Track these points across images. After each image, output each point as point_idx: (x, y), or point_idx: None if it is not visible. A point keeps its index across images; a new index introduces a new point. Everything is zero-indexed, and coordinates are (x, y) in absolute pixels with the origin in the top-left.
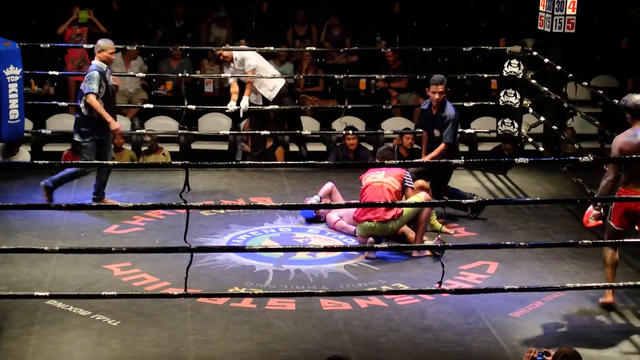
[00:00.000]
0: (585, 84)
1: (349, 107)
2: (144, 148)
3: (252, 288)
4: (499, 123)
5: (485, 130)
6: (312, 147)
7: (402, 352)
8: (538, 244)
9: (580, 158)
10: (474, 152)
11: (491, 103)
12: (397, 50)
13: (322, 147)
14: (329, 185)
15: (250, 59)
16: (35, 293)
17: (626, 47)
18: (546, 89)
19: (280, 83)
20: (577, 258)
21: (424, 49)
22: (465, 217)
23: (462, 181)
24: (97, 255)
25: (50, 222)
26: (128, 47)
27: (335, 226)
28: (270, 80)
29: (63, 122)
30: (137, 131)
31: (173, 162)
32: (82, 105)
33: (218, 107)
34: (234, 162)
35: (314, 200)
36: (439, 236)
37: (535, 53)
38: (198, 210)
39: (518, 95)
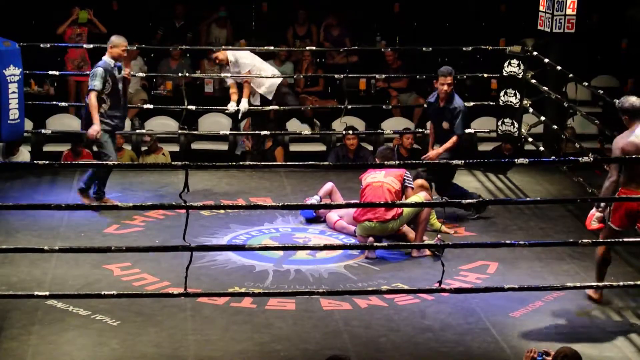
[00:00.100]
0: (586, 84)
1: (349, 107)
2: (143, 148)
3: (252, 288)
4: (499, 123)
5: (485, 130)
6: (312, 147)
7: (402, 352)
8: (538, 244)
9: (580, 158)
10: (474, 152)
11: (491, 103)
12: (397, 50)
13: (322, 147)
14: (329, 185)
15: (244, 60)
16: (35, 293)
17: (626, 47)
18: (546, 88)
19: (276, 80)
20: (577, 258)
21: (424, 49)
22: (465, 217)
23: (462, 181)
24: (97, 255)
25: (50, 222)
26: (128, 47)
27: (335, 226)
28: (266, 78)
29: (63, 122)
30: (137, 131)
31: (173, 162)
32: (87, 102)
33: (218, 107)
34: (234, 162)
35: (314, 200)
36: (439, 236)
37: (535, 53)
38: (198, 210)
39: (518, 95)
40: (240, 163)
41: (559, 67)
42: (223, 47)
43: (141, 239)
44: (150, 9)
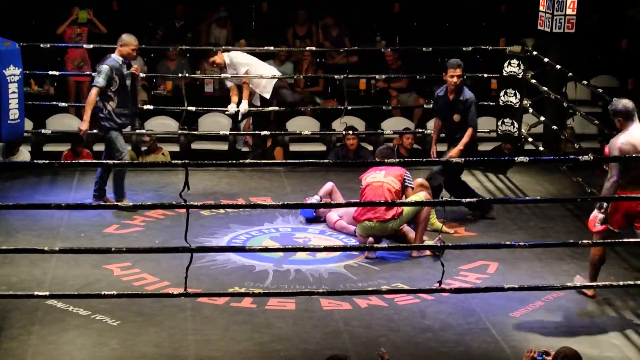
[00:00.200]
0: (585, 83)
1: (349, 108)
2: (143, 148)
3: (252, 288)
4: (499, 123)
5: (485, 130)
6: (312, 147)
7: (402, 352)
8: (538, 244)
9: (580, 157)
10: (474, 151)
11: (491, 103)
12: (397, 50)
13: (322, 147)
14: (329, 185)
15: (239, 59)
16: (35, 293)
17: (626, 47)
18: (546, 88)
19: (269, 88)
20: (577, 258)
21: (424, 49)
22: (465, 217)
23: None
24: (97, 255)
25: (50, 222)
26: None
27: (335, 226)
28: (265, 81)
29: (63, 122)
30: (137, 131)
31: (173, 162)
32: (97, 100)
33: (218, 108)
34: (234, 162)
35: (314, 200)
36: (439, 236)
37: (535, 53)
38: (198, 210)
39: (518, 95)
40: (240, 162)
41: (558, 67)
42: (223, 47)
43: (141, 239)
44: (150, 9)
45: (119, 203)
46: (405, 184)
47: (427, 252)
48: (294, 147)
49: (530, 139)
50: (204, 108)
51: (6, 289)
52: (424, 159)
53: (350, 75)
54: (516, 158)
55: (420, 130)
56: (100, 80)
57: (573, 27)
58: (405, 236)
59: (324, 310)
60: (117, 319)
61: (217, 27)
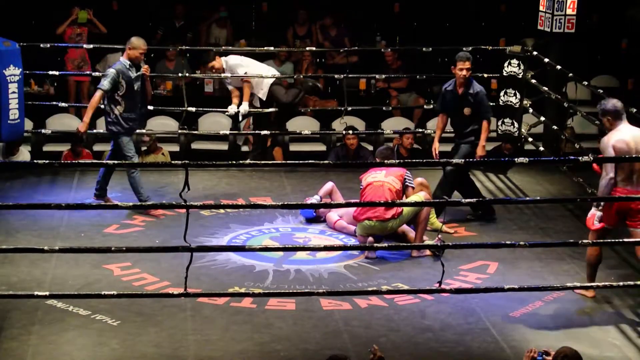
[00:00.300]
0: (585, 83)
1: (349, 109)
2: (143, 148)
3: (252, 288)
4: (499, 123)
5: None
6: (312, 147)
7: (402, 352)
8: (538, 244)
9: (580, 158)
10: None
11: (491, 103)
12: (397, 50)
13: (322, 147)
14: (329, 185)
15: (234, 61)
16: (35, 293)
17: (626, 47)
18: (546, 88)
19: (270, 80)
20: (577, 258)
21: (424, 49)
22: (465, 217)
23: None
24: (97, 255)
25: (50, 222)
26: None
27: (335, 226)
28: (260, 81)
29: (63, 122)
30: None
31: (173, 162)
32: (105, 104)
33: (218, 109)
34: (234, 162)
35: (314, 200)
36: (439, 236)
37: (535, 53)
38: (198, 210)
39: (518, 95)
40: (240, 162)
41: (559, 67)
42: (222, 47)
43: (141, 239)
44: (150, 9)
45: (118, 203)
46: (406, 183)
47: (427, 252)
48: (294, 147)
49: (530, 139)
50: (204, 109)
51: (6, 289)
52: (424, 160)
53: (350, 75)
54: (516, 159)
55: (420, 130)
56: (105, 84)
57: (573, 27)
58: (405, 236)
59: (324, 310)
60: (117, 319)
61: (217, 27)
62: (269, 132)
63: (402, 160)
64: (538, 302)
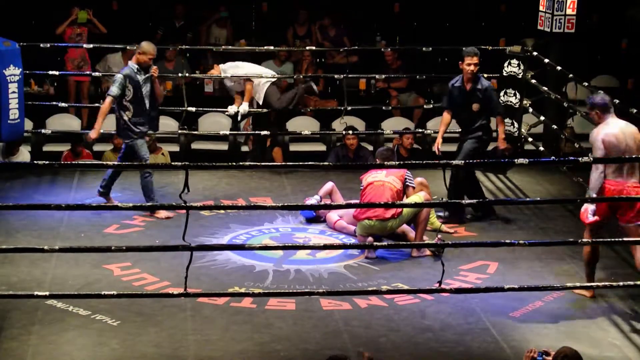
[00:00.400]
0: (585, 84)
1: (349, 108)
2: None
3: (252, 288)
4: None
5: None
6: (312, 147)
7: (402, 352)
8: (538, 243)
9: (580, 158)
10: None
11: None
12: (397, 50)
13: (322, 147)
14: (329, 185)
15: (230, 71)
16: (35, 293)
17: (626, 47)
18: (546, 88)
19: (265, 85)
20: (577, 258)
21: (424, 49)
22: (465, 217)
23: None
24: (97, 255)
25: (50, 222)
26: (128, 47)
27: (335, 226)
28: (257, 84)
29: (63, 122)
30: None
31: (173, 163)
32: (115, 110)
33: (218, 109)
34: (234, 163)
35: (314, 200)
36: (439, 236)
37: (535, 53)
38: (198, 210)
39: (518, 95)
40: (241, 163)
41: (559, 67)
42: (223, 47)
43: (141, 239)
44: (150, 9)
45: (118, 203)
46: (407, 183)
47: (427, 252)
48: (294, 147)
49: (530, 139)
50: (204, 109)
51: (6, 289)
52: (424, 161)
53: (350, 75)
54: (516, 160)
55: (420, 130)
56: (114, 90)
57: (573, 27)
58: (405, 236)
59: (324, 310)
60: (117, 319)
61: (217, 27)
62: (268, 132)
63: (401, 162)
64: (538, 302)
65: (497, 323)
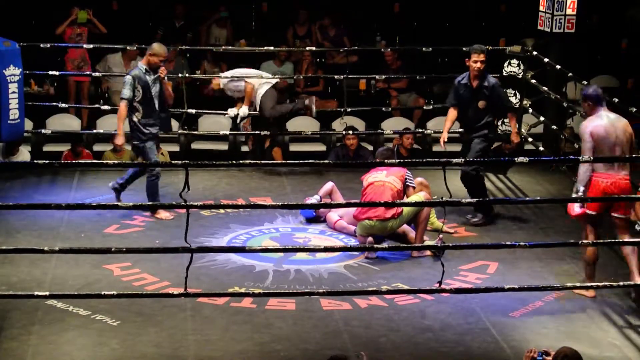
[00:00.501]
0: (585, 83)
1: (349, 110)
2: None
3: (252, 288)
4: (499, 123)
5: None
6: (312, 147)
7: (402, 352)
8: (538, 244)
9: (580, 158)
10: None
11: None
12: (397, 50)
13: (322, 147)
14: (329, 185)
15: (234, 83)
16: (35, 293)
17: (626, 47)
18: (546, 88)
19: (263, 89)
20: (577, 258)
21: (424, 49)
22: (465, 217)
23: None
24: (97, 255)
25: (50, 222)
26: (128, 47)
27: (335, 226)
28: (255, 91)
29: (63, 122)
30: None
31: (173, 162)
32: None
33: (218, 112)
34: (234, 162)
35: (314, 199)
36: (440, 236)
37: (535, 53)
38: (198, 210)
39: (518, 95)
40: (241, 162)
41: (558, 67)
42: (223, 47)
43: (141, 239)
44: (150, 9)
45: (118, 203)
46: (407, 183)
47: (427, 252)
48: (294, 147)
49: (530, 139)
50: (204, 111)
51: (6, 289)
52: (424, 160)
53: (350, 76)
54: (516, 159)
55: (420, 130)
56: (126, 92)
57: (573, 27)
58: (405, 236)
59: (324, 310)
60: (117, 319)
61: (217, 27)
62: (268, 132)
63: (402, 160)
64: (538, 302)
65: (497, 323)
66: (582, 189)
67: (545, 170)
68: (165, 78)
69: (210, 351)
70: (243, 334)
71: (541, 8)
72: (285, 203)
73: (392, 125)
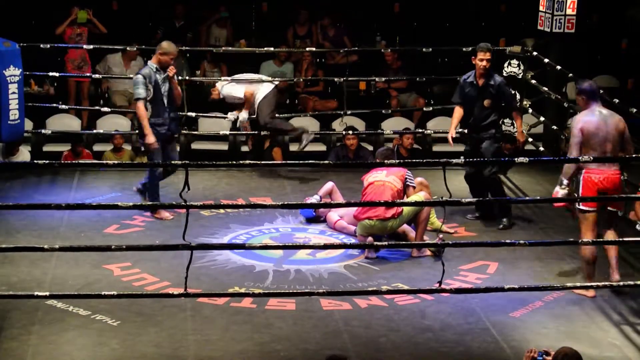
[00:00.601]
0: None
1: (349, 112)
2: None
3: (252, 288)
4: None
5: None
6: (312, 147)
7: (402, 352)
8: (538, 243)
9: (580, 157)
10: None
11: None
12: (397, 51)
13: (322, 147)
14: (329, 185)
15: (231, 88)
16: (35, 293)
17: (626, 47)
18: (546, 89)
19: (262, 94)
20: (577, 258)
21: (424, 49)
22: (464, 217)
23: (462, 181)
24: (97, 255)
25: (50, 222)
26: (128, 48)
27: (335, 226)
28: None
29: (63, 122)
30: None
31: (173, 162)
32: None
33: (218, 115)
34: (234, 163)
35: (314, 199)
36: (441, 236)
37: (535, 53)
38: (198, 210)
39: (518, 96)
40: (241, 162)
41: (559, 67)
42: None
43: (141, 239)
44: (150, 9)
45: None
46: (407, 183)
47: (428, 252)
48: (294, 147)
49: (530, 139)
50: (204, 114)
51: (6, 289)
52: (424, 160)
53: (350, 78)
54: (516, 159)
55: (420, 130)
56: (140, 92)
57: (573, 27)
58: (405, 236)
59: (324, 310)
60: (117, 319)
61: (217, 27)
62: (268, 133)
63: (402, 161)
64: (538, 302)
65: (497, 323)
66: (565, 182)
67: (545, 170)
68: (175, 77)
69: (210, 351)
70: (243, 334)
71: (541, 8)
72: (285, 203)
73: (392, 125)
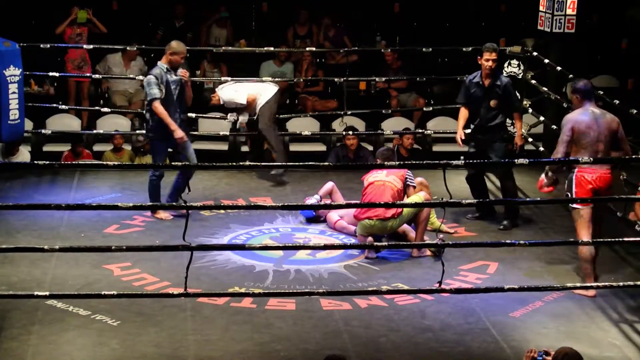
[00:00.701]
0: None
1: (349, 112)
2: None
3: (252, 288)
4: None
5: None
6: (312, 147)
7: (402, 352)
8: (538, 243)
9: (579, 158)
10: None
11: None
12: (397, 51)
13: (322, 147)
14: (329, 185)
15: (232, 94)
16: (35, 293)
17: (626, 47)
18: (546, 89)
19: (264, 99)
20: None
21: (424, 49)
22: (464, 217)
23: (462, 181)
24: (97, 255)
25: (50, 222)
26: (128, 48)
27: (335, 226)
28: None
29: (63, 122)
30: (137, 131)
31: (173, 163)
32: (146, 110)
33: (217, 116)
34: (234, 164)
35: (314, 199)
36: (441, 236)
37: (535, 53)
38: (198, 210)
39: (518, 96)
40: (241, 163)
41: (559, 67)
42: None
43: (141, 239)
44: (150, 9)
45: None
46: (407, 182)
47: (428, 252)
48: (294, 147)
49: (530, 139)
50: (204, 115)
51: (6, 289)
52: (424, 162)
53: (350, 78)
54: (516, 160)
55: (420, 130)
56: (154, 92)
57: (573, 27)
58: (405, 236)
59: (324, 310)
60: (117, 319)
61: (217, 27)
62: None
63: (402, 162)
64: (538, 302)
65: (497, 323)
66: (550, 173)
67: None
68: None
69: (210, 351)
70: (243, 334)
71: (541, 8)
72: (285, 203)
73: (392, 125)
